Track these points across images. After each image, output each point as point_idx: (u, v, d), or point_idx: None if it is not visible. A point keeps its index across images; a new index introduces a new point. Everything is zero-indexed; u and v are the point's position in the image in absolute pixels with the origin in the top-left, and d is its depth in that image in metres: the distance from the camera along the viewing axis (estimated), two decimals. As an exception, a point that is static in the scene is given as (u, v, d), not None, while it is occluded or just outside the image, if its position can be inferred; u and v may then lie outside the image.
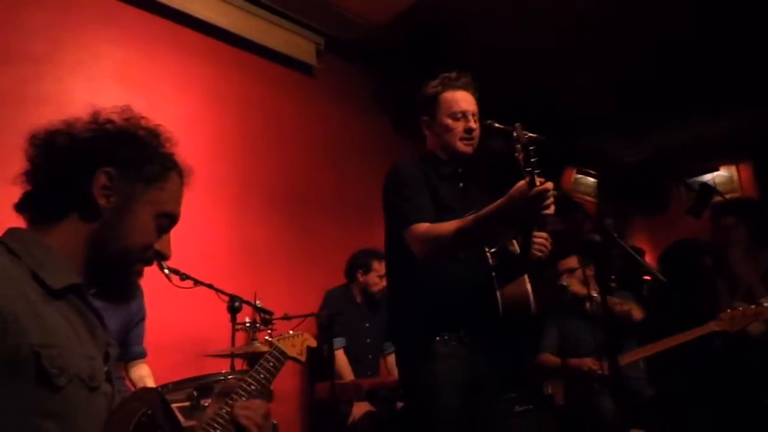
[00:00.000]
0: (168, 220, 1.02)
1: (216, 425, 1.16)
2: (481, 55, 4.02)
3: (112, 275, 0.97)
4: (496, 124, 1.84)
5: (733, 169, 6.16)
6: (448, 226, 1.65)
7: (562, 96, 4.75)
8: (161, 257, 1.03)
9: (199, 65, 3.27)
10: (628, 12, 3.78)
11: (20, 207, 0.95)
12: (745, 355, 2.88)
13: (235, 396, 1.22)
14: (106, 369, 0.92)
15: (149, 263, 1.02)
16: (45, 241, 0.90)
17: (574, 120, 5.09)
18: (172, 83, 3.13)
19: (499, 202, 1.54)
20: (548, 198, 1.47)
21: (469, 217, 1.62)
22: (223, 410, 1.19)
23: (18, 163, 0.96)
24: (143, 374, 2.31)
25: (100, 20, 2.87)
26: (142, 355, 2.37)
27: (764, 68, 4.53)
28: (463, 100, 1.90)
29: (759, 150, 5.86)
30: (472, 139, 1.89)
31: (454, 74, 1.94)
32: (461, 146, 1.88)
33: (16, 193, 0.96)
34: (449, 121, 1.88)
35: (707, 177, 6.11)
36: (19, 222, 0.95)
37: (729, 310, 2.73)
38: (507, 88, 3.98)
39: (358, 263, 3.41)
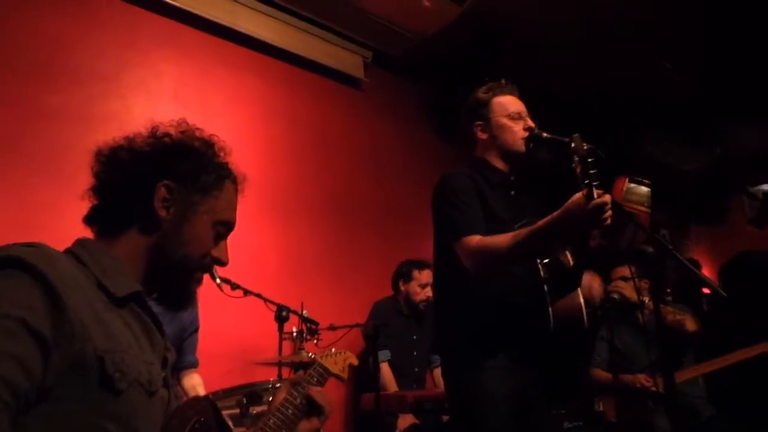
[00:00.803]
0: (225, 227, 1.06)
1: (289, 406, 1.20)
2: (532, 62, 3.98)
3: (173, 283, 1.01)
4: (545, 134, 1.81)
5: (800, 176, 5.81)
6: (502, 239, 1.62)
7: (616, 100, 4.62)
8: (219, 263, 1.06)
9: (249, 80, 3.38)
10: (691, 15, 3.65)
11: (88, 220, 1.00)
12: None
13: (285, 405, 1.25)
14: (163, 374, 0.95)
15: (208, 270, 1.05)
16: (110, 251, 0.95)
17: (629, 126, 4.95)
18: (224, 98, 3.25)
19: (555, 214, 1.51)
20: (606, 211, 1.44)
21: (524, 231, 1.59)
22: (295, 394, 1.23)
23: (86, 179, 1.02)
24: (195, 383, 2.39)
25: (160, 40, 3.03)
26: (194, 365, 2.45)
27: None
28: (516, 102, 1.91)
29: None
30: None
31: (503, 81, 1.95)
32: (522, 145, 1.85)
33: (84, 208, 1.02)
34: (508, 122, 1.87)
35: (771, 185, 5.78)
36: (89, 234, 1.01)
37: None
38: (559, 94, 3.92)
39: (400, 272, 3.41)
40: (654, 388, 2.75)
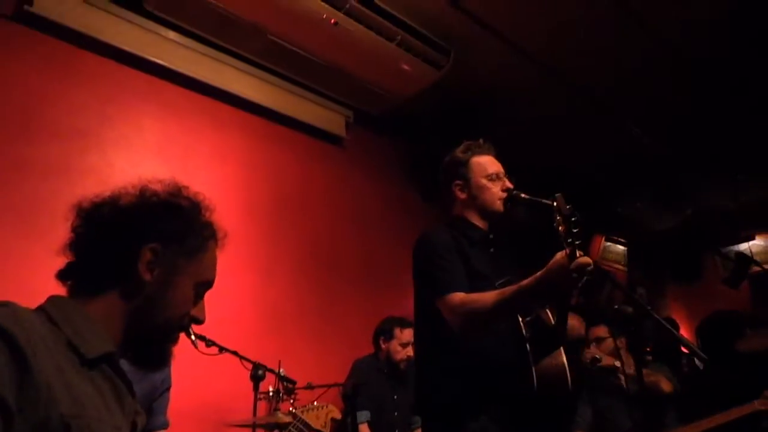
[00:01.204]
0: (205, 287, 1.06)
1: None
2: (506, 125, 4.14)
3: (152, 345, 0.99)
4: (524, 195, 1.86)
5: (769, 237, 5.99)
6: (487, 296, 1.63)
7: (592, 162, 4.78)
8: (197, 322, 1.05)
9: (233, 137, 3.43)
10: (659, 78, 3.85)
11: (62, 276, 0.98)
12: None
13: None
14: None
15: (186, 330, 1.04)
16: (85, 310, 0.92)
17: (604, 187, 5.10)
18: (207, 154, 3.28)
19: (539, 274, 1.53)
20: (588, 271, 1.46)
21: (509, 289, 1.60)
22: None
23: (61, 234, 1.00)
24: None
25: (143, 96, 3.07)
26: (164, 426, 2.33)
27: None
28: (494, 163, 1.96)
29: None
30: (508, 199, 1.92)
31: (480, 141, 2.01)
32: (500, 205, 1.90)
33: (59, 263, 1.00)
34: (487, 183, 1.92)
35: (743, 246, 5.94)
36: (62, 290, 0.98)
37: None
38: (534, 157, 4.05)
39: (382, 330, 3.36)
40: None
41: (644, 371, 2.93)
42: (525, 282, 1.55)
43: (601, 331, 3.07)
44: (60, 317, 0.88)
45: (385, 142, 4.34)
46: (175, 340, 1.02)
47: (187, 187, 1.07)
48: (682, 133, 4.51)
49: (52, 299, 0.93)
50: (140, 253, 0.96)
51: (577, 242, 1.45)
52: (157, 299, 0.96)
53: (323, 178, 3.86)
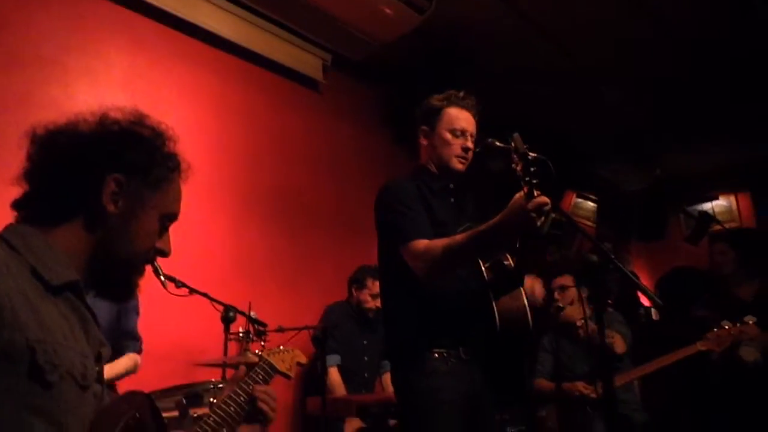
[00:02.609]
0: (171, 220, 1.04)
1: (232, 404, 1.17)
2: (486, 77, 4.09)
3: (117, 278, 0.98)
4: (497, 143, 1.85)
5: (732, 198, 6.18)
6: (449, 242, 1.65)
7: (567, 120, 4.79)
8: (163, 255, 1.04)
9: (205, 75, 3.30)
10: (633, 43, 3.86)
11: (19, 205, 0.94)
12: (740, 382, 2.87)
13: (227, 402, 1.22)
14: (97, 369, 0.91)
15: (151, 262, 1.04)
16: (46, 239, 0.90)
17: (578, 144, 5.14)
18: (177, 92, 3.16)
19: (498, 216, 1.54)
20: (545, 211, 1.48)
21: (469, 233, 1.63)
22: (239, 392, 1.20)
23: (19, 166, 0.96)
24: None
25: (109, 28, 2.91)
26: (136, 346, 2.35)
27: (764, 101, 4.59)
28: (465, 119, 1.92)
29: (758, 180, 5.89)
30: (466, 158, 1.91)
31: (461, 93, 1.96)
32: (455, 163, 1.89)
33: (15, 194, 0.96)
34: (448, 136, 1.90)
35: (706, 206, 6.13)
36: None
37: (715, 330, 2.76)
38: (510, 110, 4.03)
39: (355, 278, 3.40)
40: (593, 395, 2.85)
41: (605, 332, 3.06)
42: (485, 225, 1.58)
43: (566, 280, 3.16)
44: (21, 244, 0.86)
45: (363, 88, 4.25)
46: (140, 273, 1.01)
47: (148, 116, 1.03)
48: (655, 97, 4.54)
49: (11, 227, 0.91)
50: (103, 183, 0.92)
51: (534, 181, 1.46)
52: (122, 231, 0.94)
53: (299, 122, 3.78)
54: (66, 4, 2.77)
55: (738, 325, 2.76)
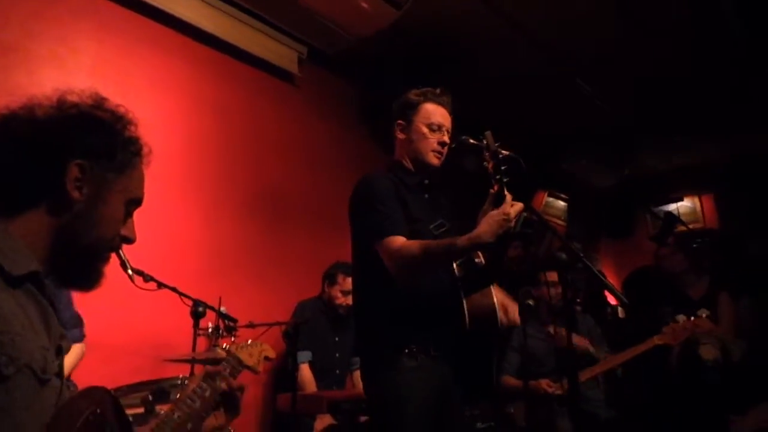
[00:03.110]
0: (135, 205, 1.02)
1: (197, 398, 1.16)
2: (461, 73, 4.11)
3: (82, 266, 0.96)
4: (471, 140, 1.87)
5: (696, 200, 6.37)
6: (426, 245, 1.67)
7: (540, 117, 4.86)
8: (128, 242, 1.02)
9: (177, 65, 3.23)
10: (607, 44, 3.93)
11: None
12: (700, 379, 2.97)
13: (193, 397, 1.20)
14: (58, 362, 0.89)
15: (116, 250, 1.02)
16: (6, 228, 0.87)
17: (550, 143, 5.22)
18: (148, 82, 3.08)
19: (477, 229, 1.59)
20: (519, 215, 1.53)
21: (447, 241, 1.65)
22: (205, 386, 1.18)
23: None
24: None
25: (77, 13, 2.82)
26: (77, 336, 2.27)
27: (728, 105, 4.74)
28: (442, 115, 1.95)
29: (721, 182, 6.08)
30: (442, 153, 1.93)
31: (438, 90, 1.98)
32: (431, 157, 1.91)
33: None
34: (425, 130, 1.91)
35: (672, 206, 6.30)
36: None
37: (670, 324, 2.86)
38: (483, 108, 4.07)
39: (328, 274, 3.38)
40: (559, 392, 2.92)
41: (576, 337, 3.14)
42: (465, 238, 1.61)
43: (554, 276, 3.23)
44: None
45: (339, 82, 4.22)
46: (105, 260, 0.99)
47: (107, 99, 1.00)
48: (626, 96, 4.64)
49: None
50: (66, 169, 0.90)
51: (505, 179, 1.49)
52: (87, 217, 0.92)
53: (273, 115, 3.73)
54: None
55: (692, 318, 2.87)
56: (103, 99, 1.00)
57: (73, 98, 0.96)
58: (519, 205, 1.59)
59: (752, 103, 4.71)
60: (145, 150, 1.04)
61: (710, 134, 5.41)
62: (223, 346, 1.60)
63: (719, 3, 3.44)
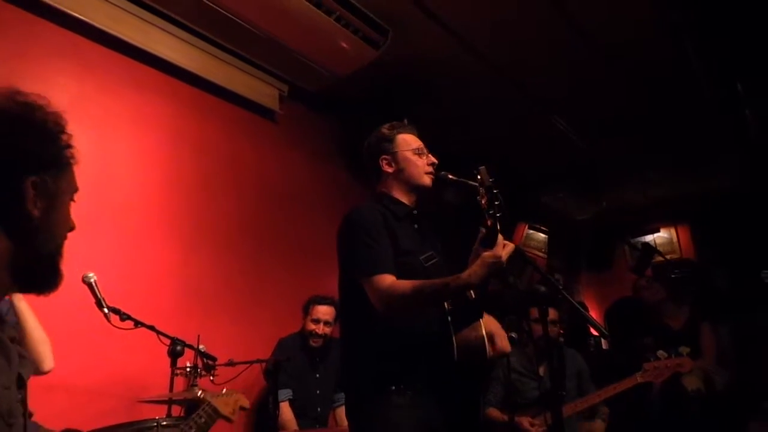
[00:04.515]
0: (75, 193, 0.99)
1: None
2: (439, 109, 4.22)
3: (47, 272, 0.93)
4: (450, 176, 1.91)
5: (672, 230, 6.51)
6: (418, 286, 1.66)
7: (519, 152, 4.97)
8: (71, 230, 0.99)
9: (157, 103, 3.25)
10: (580, 83, 4.08)
11: None
12: (684, 410, 2.98)
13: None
14: (21, 396, 0.86)
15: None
16: None
17: (529, 177, 5.33)
18: (128, 119, 3.09)
19: (471, 270, 1.61)
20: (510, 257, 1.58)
21: (440, 282, 1.65)
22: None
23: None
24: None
25: (57, 53, 2.84)
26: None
27: (705, 140, 4.91)
28: (418, 140, 2.01)
29: (696, 214, 6.23)
30: (433, 174, 1.97)
31: (405, 121, 2.06)
32: (426, 179, 1.94)
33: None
34: (413, 156, 1.95)
35: (649, 237, 6.42)
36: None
37: (652, 361, 2.88)
38: (464, 143, 4.16)
39: (304, 306, 3.36)
40: (542, 429, 2.90)
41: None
42: (459, 279, 1.62)
43: (554, 313, 3.25)
44: None
45: (320, 119, 4.28)
46: (62, 256, 0.96)
47: (26, 93, 0.93)
48: (602, 131, 4.79)
49: None
50: (24, 190, 0.86)
51: (498, 214, 1.52)
52: (46, 230, 0.90)
53: (254, 152, 3.75)
54: (10, 27, 2.69)
55: (673, 356, 2.89)
56: (22, 94, 0.92)
57: (7, 107, 0.89)
58: (510, 246, 1.61)
59: (720, 141, 4.90)
60: (70, 135, 0.97)
61: (682, 169, 5.58)
62: (199, 393, 1.58)
63: (683, 45, 3.60)
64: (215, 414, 1.38)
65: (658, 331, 3.37)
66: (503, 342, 1.81)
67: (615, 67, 3.88)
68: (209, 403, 1.42)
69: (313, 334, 3.25)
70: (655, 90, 4.16)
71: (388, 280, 1.69)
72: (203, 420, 1.32)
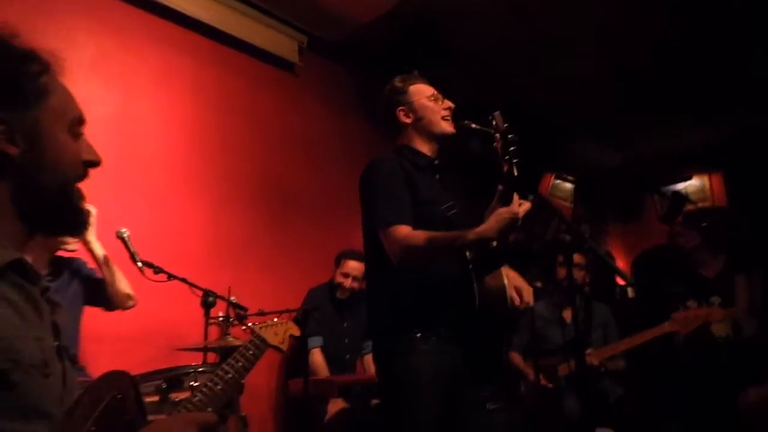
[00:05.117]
0: (78, 124, 0.94)
1: (219, 381, 1.18)
2: (461, 57, 4.09)
3: (60, 211, 0.90)
4: (473, 125, 1.87)
5: (705, 178, 6.30)
6: (432, 237, 1.66)
7: (544, 100, 4.82)
8: (93, 165, 0.95)
9: (178, 58, 3.24)
10: (609, 21, 3.87)
11: None
12: (712, 356, 2.97)
13: (215, 380, 1.20)
14: (56, 344, 0.87)
15: (83, 178, 0.94)
16: None
17: (555, 125, 5.19)
18: (150, 76, 3.10)
19: (486, 225, 1.60)
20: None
21: (455, 234, 1.65)
22: (227, 369, 1.20)
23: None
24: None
25: (76, 9, 2.83)
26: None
27: (737, 82, 4.68)
28: (431, 88, 1.99)
29: (730, 160, 6.02)
30: (451, 118, 1.94)
31: (415, 72, 2.04)
32: (445, 125, 1.93)
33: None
34: (429, 103, 1.94)
35: (680, 186, 6.25)
36: None
37: (682, 310, 2.84)
38: (487, 90, 4.05)
39: (336, 259, 3.41)
40: (549, 386, 2.94)
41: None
42: (473, 233, 1.61)
43: (579, 257, 3.24)
44: None
45: (340, 71, 4.21)
46: (79, 196, 0.93)
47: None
48: (630, 75, 4.59)
49: None
50: None
51: (514, 160, 1.50)
52: (37, 165, 0.85)
53: (275, 105, 3.74)
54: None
55: (704, 306, 2.85)
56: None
57: None
58: (527, 205, 1.60)
59: (756, 80, 4.66)
60: (52, 59, 0.91)
61: (716, 112, 5.35)
62: (249, 325, 1.60)
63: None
64: (264, 345, 1.39)
65: (689, 280, 3.31)
66: (528, 295, 1.81)
67: (644, 4, 3.68)
68: (258, 334, 1.43)
69: (341, 287, 3.32)
70: (687, 28, 3.94)
71: (403, 231, 1.70)
72: (251, 352, 1.32)
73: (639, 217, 6.76)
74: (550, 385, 2.99)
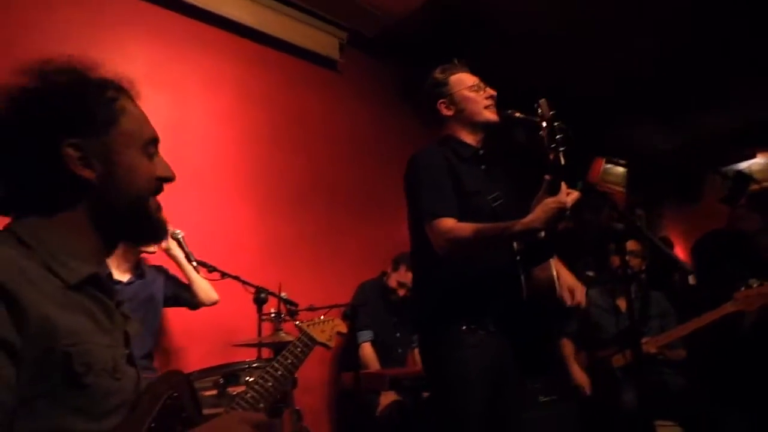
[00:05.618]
0: (152, 144, 0.98)
1: (270, 378, 1.22)
2: (501, 44, 4.00)
3: (139, 225, 0.96)
4: (518, 114, 1.83)
5: (771, 156, 5.93)
6: (478, 229, 1.64)
7: (591, 83, 4.66)
8: (168, 181, 1.00)
9: (225, 63, 3.33)
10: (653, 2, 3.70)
11: (4, 208, 0.90)
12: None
13: (265, 377, 1.24)
14: (127, 352, 0.94)
15: (159, 192, 1.00)
16: (57, 228, 0.88)
17: (604, 107, 5.00)
18: (199, 82, 3.20)
19: (532, 215, 1.56)
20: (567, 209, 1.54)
21: (501, 226, 1.62)
22: (277, 366, 1.25)
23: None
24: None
25: (126, 21, 2.95)
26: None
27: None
28: (472, 77, 1.96)
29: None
30: (494, 107, 1.91)
31: (455, 61, 2.00)
32: (488, 114, 1.90)
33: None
34: (470, 93, 1.91)
35: (743, 165, 5.90)
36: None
37: (743, 290, 2.70)
38: (531, 77, 3.94)
39: (395, 259, 3.41)
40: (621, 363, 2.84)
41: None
42: (519, 224, 1.58)
43: (633, 244, 3.14)
44: (31, 238, 0.85)
45: (380, 65, 4.21)
46: (157, 208, 0.99)
47: (51, 60, 0.93)
48: (688, 53, 4.35)
49: (18, 222, 0.88)
50: (62, 157, 0.86)
51: (561, 149, 1.46)
52: (113, 186, 0.90)
53: (318, 103, 3.79)
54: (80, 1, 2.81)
55: (765, 284, 2.70)
56: (48, 61, 0.92)
57: (19, 80, 0.89)
58: (575, 194, 1.56)
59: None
60: (125, 84, 0.97)
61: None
62: (296, 324, 1.64)
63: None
64: (311, 342, 1.42)
65: (752, 264, 3.14)
66: (580, 295, 1.77)
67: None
68: (305, 331, 1.47)
69: (394, 293, 3.33)
70: (739, 6, 3.69)
71: (448, 223, 1.69)
72: (299, 349, 1.36)
73: (698, 200, 6.44)
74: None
